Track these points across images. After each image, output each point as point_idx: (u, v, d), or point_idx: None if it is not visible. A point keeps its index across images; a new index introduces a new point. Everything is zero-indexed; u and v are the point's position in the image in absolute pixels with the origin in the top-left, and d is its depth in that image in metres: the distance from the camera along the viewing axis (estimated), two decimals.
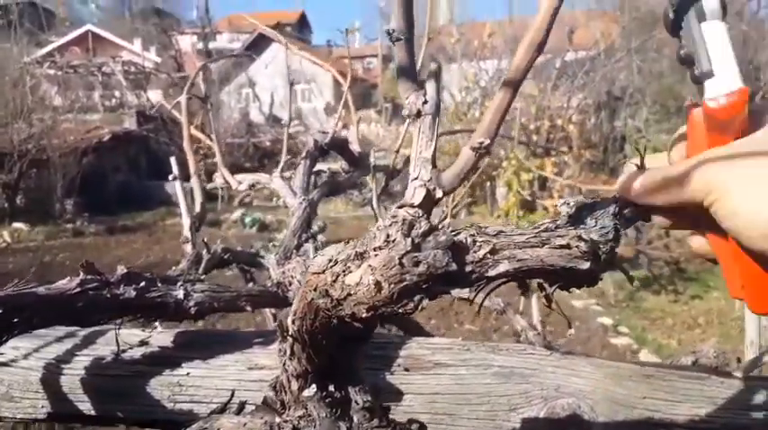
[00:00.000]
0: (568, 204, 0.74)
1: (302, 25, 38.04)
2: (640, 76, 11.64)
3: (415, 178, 0.66)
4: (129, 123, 19.19)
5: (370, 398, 0.80)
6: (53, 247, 11.74)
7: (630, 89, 11.83)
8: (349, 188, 1.74)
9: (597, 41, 11.95)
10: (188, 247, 1.32)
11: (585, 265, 0.65)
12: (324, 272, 0.65)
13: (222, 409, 1.04)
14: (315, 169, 1.60)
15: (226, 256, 1.40)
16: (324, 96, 23.52)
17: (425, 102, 0.66)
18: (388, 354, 1.17)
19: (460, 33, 13.58)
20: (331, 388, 0.79)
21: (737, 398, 1.12)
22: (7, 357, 1.07)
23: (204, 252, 1.28)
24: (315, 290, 0.66)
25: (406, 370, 1.16)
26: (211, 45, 24.19)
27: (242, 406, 1.03)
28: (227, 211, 15.01)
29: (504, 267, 0.63)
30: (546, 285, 0.67)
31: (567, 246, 0.66)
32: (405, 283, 0.60)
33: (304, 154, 1.49)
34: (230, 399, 1.04)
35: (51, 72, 21.30)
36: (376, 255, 0.61)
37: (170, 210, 14.82)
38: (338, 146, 1.62)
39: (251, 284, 1.60)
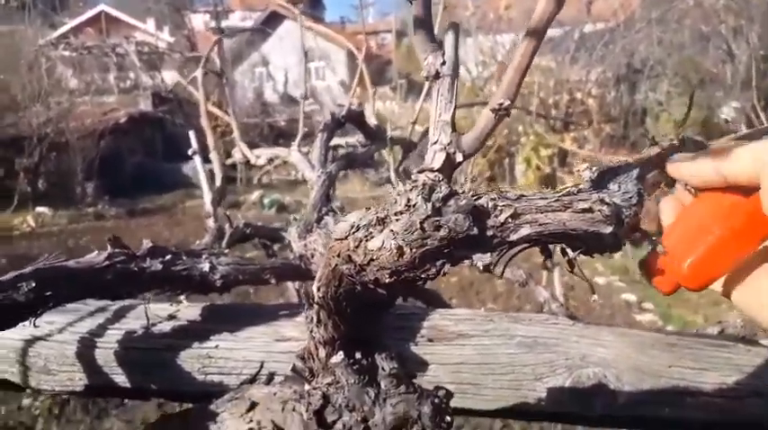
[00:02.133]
0: (591, 169, 0.74)
1: (315, 1, 37.76)
2: (661, 48, 11.38)
3: (435, 142, 0.66)
4: (145, 105, 19.29)
5: (396, 365, 0.81)
6: (76, 231, 11.92)
7: (651, 61, 11.58)
8: (367, 161, 1.74)
9: (616, 12, 11.70)
10: (210, 222, 1.34)
11: (608, 229, 0.65)
12: (346, 238, 0.65)
13: (252, 380, 1.06)
14: (332, 143, 1.59)
15: (248, 231, 1.41)
16: (337, 74, 23.39)
17: (443, 63, 0.65)
18: (411, 325, 1.18)
19: (476, 6, 13.36)
20: (358, 355, 0.80)
21: (765, 365, 1.12)
22: (43, 331, 1.10)
23: (227, 226, 1.30)
24: (338, 256, 0.67)
25: (430, 340, 1.17)
26: (224, 23, 24.07)
27: (271, 376, 1.05)
28: (246, 193, 15.08)
29: (525, 231, 0.63)
30: (569, 250, 0.67)
31: (590, 210, 0.65)
32: (426, 248, 0.61)
33: (322, 126, 1.49)
34: (259, 370, 1.06)
35: (66, 54, 21.40)
36: (397, 220, 0.61)
37: (188, 192, 14.94)
38: (355, 119, 1.61)
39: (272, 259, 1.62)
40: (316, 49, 21.28)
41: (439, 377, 1.12)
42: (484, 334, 1.17)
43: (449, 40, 0.66)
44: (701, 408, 1.11)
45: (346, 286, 0.69)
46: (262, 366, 1.04)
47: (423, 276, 0.63)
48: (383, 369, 0.79)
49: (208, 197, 1.39)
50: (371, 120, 1.74)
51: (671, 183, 0.81)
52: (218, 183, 1.42)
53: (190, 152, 1.45)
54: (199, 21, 25.77)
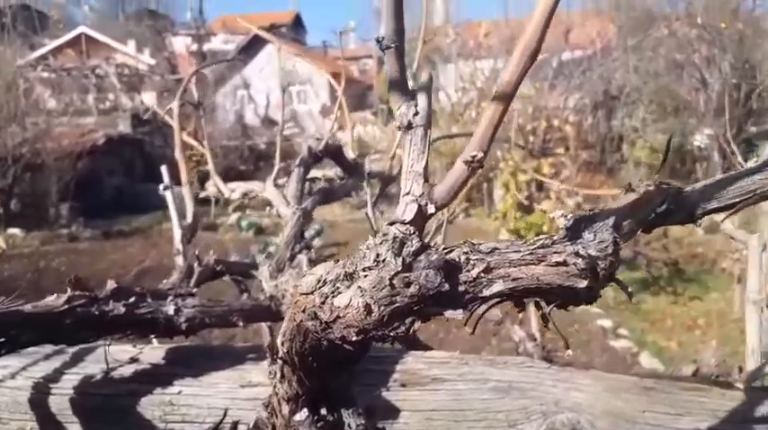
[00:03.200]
0: (566, 217, 0.72)
1: (297, 26, 38.00)
2: (637, 76, 11.63)
3: (407, 193, 0.63)
4: (124, 126, 19.12)
5: (363, 421, 0.77)
6: (48, 253, 11.67)
7: (627, 88, 11.82)
8: (344, 195, 1.72)
9: (593, 41, 11.95)
10: (179, 260, 1.30)
11: (583, 283, 0.63)
12: (312, 292, 0.62)
13: (215, 429, 1.02)
14: (310, 176, 1.57)
15: (218, 268, 1.37)
16: (320, 98, 23.47)
17: (416, 113, 0.63)
18: (384, 369, 1.15)
19: (456, 33, 13.54)
20: (323, 411, 0.76)
21: (739, 411, 1.10)
22: None
23: (196, 264, 1.26)
24: (303, 311, 0.64)
25: (403, 385, 1.13)
26: (206, 47, 24.13)
27: (234, 426, 1.01)
28: (222, 215, 14.94)
29: (498, 287, 0.61)
30: (543, 303, 0.65)
31: (565, 263, 0.63)
32: (396, 305, 0.58)
33: (298, 161, 1.46)
34: (222, 419, 1.02)
35: (45, 75, 21.21)
36: (365, 276, 0.59)
37: (166, 214, 14.64)
38: (332, 153, 1.59)
39: (245, 296, 1.57)
40: (297, 73, 21.42)
41: (410, 425, 1.08)
42: (458, 378, 1.14)
43: (422, 94, 0.64)
44: None
45: (311, 342, 0.66)
46: (225, 414, 1.00)
47: (392, 334, 0.61)
48: (349, 426, 0.76)
49: (178, 234, 1.35)
50: (349, 154, 1.72)
51: (648, 230, 0.80)
52: (188, 219, 1.38)
53: (161, 188, 1.41)
54: (180, 43, 25.75)
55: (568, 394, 1.14)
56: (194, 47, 22.99)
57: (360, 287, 0.59)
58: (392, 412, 1.09)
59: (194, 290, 1.22)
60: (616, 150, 11.64)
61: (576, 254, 0.64)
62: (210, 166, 1.69)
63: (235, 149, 19.25)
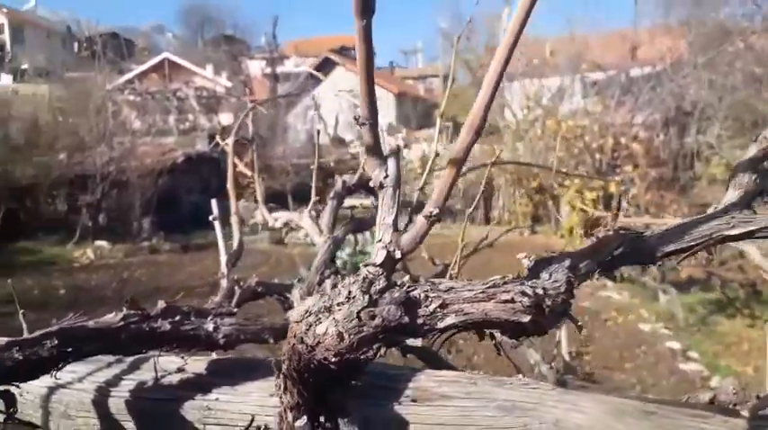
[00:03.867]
0: (529, 259, 0.83)
1: None
2: (711, 91, 11.20)
3: (379, 241, 0.76)
4: (202, 145, 20.13)
5: (356, 428, 0.91)
6: (132, 264, 12.44)
7: (701, 104, 11.40)
8: (374, 224, 1.85)
9: (663, 56, 11.62)
10: (224, 282, 1.47)
11: (526, 318, 0.73)
12: (300, 321, 0.76)
13: None
14: (347, 205, 1.72)
15: (259, 289, 1.54)
16: (386, 117, 23.92)
17: (386, 176, 0.77)
18: (397, 387, 1.26)
19: (520, 52, 13.51)
20: (321, 419, 0.90)
21: None
22: (65, 380, 1.25)
23: (236, 287, 1.43)
24: (295, 336, 0.78)
25: (414, 400, 1.25)
26: (278, 69, 25.11)
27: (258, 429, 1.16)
28: (292, 230, 15.42)
29: (451, 320, 0.73)
30: (496, 334, 0.76)
31: (512, 301, 0.74)
32: (363, 334, 0.71)
33: (332, 194, 1.62)
34: (250, 424, 1.17)
35: (131, 98, 22.70)
36: (339, 310, 0.72)
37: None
38: (365, 185, 1.74)
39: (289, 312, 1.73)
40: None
41: None
42: (466, 396, 1.24)
43: (392, 161, 0.77)
44: None
45: (303, 362, 0.80)
46: (252, 420, 1.15)
47: (362, 358, 0.74)
48: None
49: (224, 259, 1.53)
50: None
51: (608, 271, 0.89)
52: (234, 246, 1.57)
53: (210, 218, 1.60)
54: (255, 66, 26.96)
55: (569, 415, 1.21)
56: (268, 70, 23.99)
57: (335, 319, 0.73)
58: (402, 425, 1.20)
59: (235, 309, 1.38)
60: (689, 167, 11.22)
61: (523, 293, 0.74)
62: (259, 196, 1.87)
63: (306, 167, 19.86)
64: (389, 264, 0.75)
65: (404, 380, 1.30)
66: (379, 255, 0.76)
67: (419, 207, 1.97)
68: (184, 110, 23.76)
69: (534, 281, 0.77)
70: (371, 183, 0.78)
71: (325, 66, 25.52)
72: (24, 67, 26.27)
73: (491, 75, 0.69)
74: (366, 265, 0.75)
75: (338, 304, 0.73)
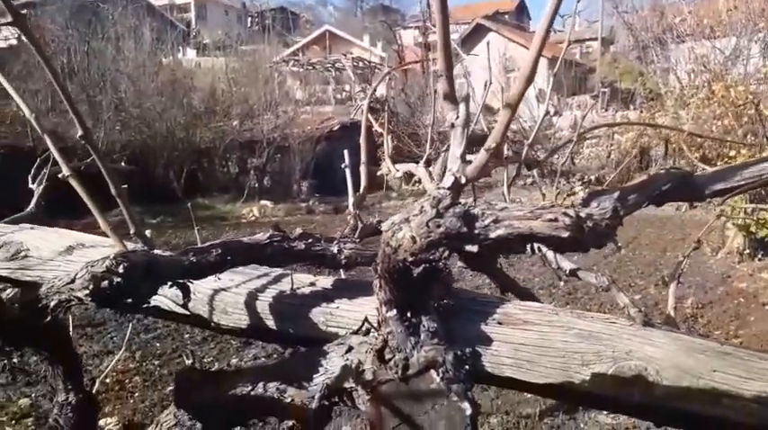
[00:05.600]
0: (584, 190, 0.99)
1: (520, 13, 37.76)
2: None
3: (450, 169, 0.97)
4: (356, 114, 21.04)
5: (435, 324, 1.13)
6: (290, 222, 13.57)
7: None
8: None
9: None
10: (350, 218, 1.75)
11: (566, 234, 0.89)
12: (388, 230, 0.99)
13: (355, 332, 1.45)
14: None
15: (379, 227, 1.80)
16: (536, 83, 23.09)
17: (457, 117, 0.96)
18: (486, 310, 1.46)
19: (689, 11, 12.37)
20: (408, 313, 1.14)
21: None
22: (225, 285, 1.61)
23: (359, 223, 1.69)
24: (384, 242, 1.02)
25: (500, 323, 1.43)
26: (431, 37, 25.31)
27: (368, 330, 1.43)
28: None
29: (501, 232, 0.91)
30: (539, 247, 0.93)
31: (555, 220, 0.90)
32: (431, 238, 0.92)
33: (445, 147, 1.82)
34: (362, 325, 1.44)
35: (294, 69, 24.29)
36: (414, 219, 0.93)
37: (387, 193, 16.14)
38: (478, 141, 1.92)
39: None
40: (515, 60, 21.42)
41: (500, 352, 1.38)
42: (546, 323, 1.40)
43: (462, 105, 0.97)
44: (737, 410, 1.22)
45: (391, 263, 1.04)
46: (365, 321, 1.42)
47: (431, 257, 0.95)
48: (424, 325, 1.12)
49: (351, 200, 1.81)
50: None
51: (655, 203, 1.02)
52: (361, 190, 1.84)
53: (342, 166, 1.89)
54: (409, 36, 27.45)
55: (642, 347, 1.33)
56: (420, 39, 24.29)
57: (410, 226, 0.95)
58: (486, 340, 1.40)
59: (357, 239, 1.66)
60: None
61: (565, 214, 0.90)
62: (386, 151, 2.13)
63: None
64: (457, 188, 0.96)
65: (492, 306, 1.50)
66: (447, 180, 0.96)
67: (531, 164, 2.10)
68: (342, 80, 24.97)
69: (581, 207, 0.93)
70: (446, 124, 0.98)
71: (479, 32, 25.26)
72: (206, 41, 29.11)
73: (541, 24, 0.85)
74: (438, 188, 0.95)
75: (414, 215, 0.95)
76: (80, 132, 1.14)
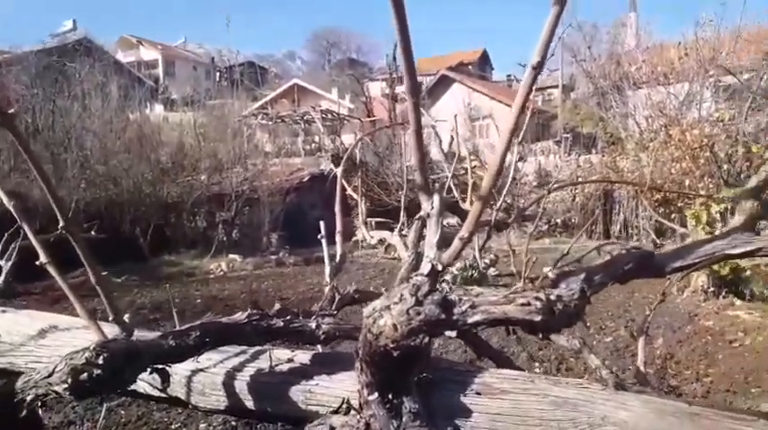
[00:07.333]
0: (552, 271, 1.04)
1: (483, 63, 39.11)
2: None
3: (426, 256, 1.01)
4: (325, 165, 21.22)
5: (417, 405, 1.15)
6: (260, 276, 13.41)
7: None
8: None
9: None
10: (327, 289, 1.78)
11: (538, 318, 0.94)
12: (369, 316, 1.03)
13: (336, 411, 1.45)
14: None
15: (356, 296, 1.83)
16: (502, 131, 23.71)
17: (432, 208, 1.02)
18: (464, 380, 1.49)
19: (642, 60, 13.00)
20: (389, 395, 1.16)
21: None
22: (203, 365, 1.61)
23: (336, 294, 1.73)
24: (366, 328, 1.05)
25: (477, 393, 1.47)
26: (398, 89, 25.94)
27: (348, 409, 1.44)
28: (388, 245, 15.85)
29: (478, 317, 0.95)
30: (511, 328, 0.97)
31: (528, 304, 0.95)
32: (411, 326, 0.95)
33: (417, 216, 1.88)
34: (341, 405, 1.45)
35: (264, 122, 24.52)
36: (395, 307, 0.97)
37: (356, 244, 16.17)
38: (450, 207, 1.98)
39: None
40: (479, 108, 22.03)
41: (479, 423, 1.41)
42: (522, 392, 1.43)
43: (437, 196, 1.02)
44: None
45: (372, 348, 1.07)
46: (343, 402, 1.43)
47: (413, 344, 0.98)
48: (406, 407, 1.14)
49: (327, 270, 1.84)
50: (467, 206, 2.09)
51: (620, 281, 1.08)
52: (337, 259, 1.88)
53: (318, 237, 1.93)
54: (376, 88, 28.11)
55: (616, 412, 1.37)
56: (387, 90, 24.87)
57: (391, 314, 0.98)
58: (465, 412, 1.43)
59: (335, 312, 1.69)
60: None
61: (537, 298, 0.95)
62: (360, 217, 2.18)
63: None
64: (434, 274, 1.00)
65: (470, 376, 1.53)
66: (425, 267, 1.01)
67: (497, 227, 2.17)
68: (311, 132, 25.26)
69: (551, 289, 0.98)
70: (422, 213, 1.03)
71: (443, 83, 26.00)
72: (174, 97, 29.23)
73: (508, 124, 0.91)
74: (417, 275, 1.00)
75: (394, 303, 0.98)
76: (61, 223, 1.16)
